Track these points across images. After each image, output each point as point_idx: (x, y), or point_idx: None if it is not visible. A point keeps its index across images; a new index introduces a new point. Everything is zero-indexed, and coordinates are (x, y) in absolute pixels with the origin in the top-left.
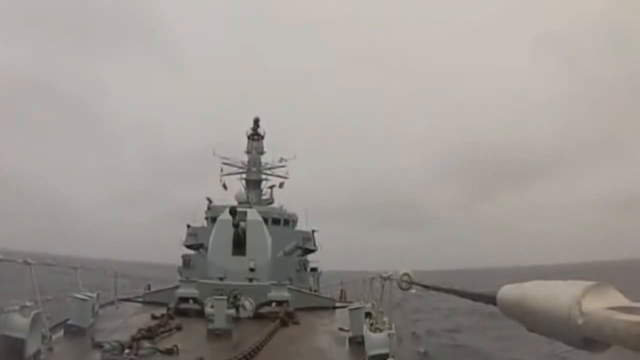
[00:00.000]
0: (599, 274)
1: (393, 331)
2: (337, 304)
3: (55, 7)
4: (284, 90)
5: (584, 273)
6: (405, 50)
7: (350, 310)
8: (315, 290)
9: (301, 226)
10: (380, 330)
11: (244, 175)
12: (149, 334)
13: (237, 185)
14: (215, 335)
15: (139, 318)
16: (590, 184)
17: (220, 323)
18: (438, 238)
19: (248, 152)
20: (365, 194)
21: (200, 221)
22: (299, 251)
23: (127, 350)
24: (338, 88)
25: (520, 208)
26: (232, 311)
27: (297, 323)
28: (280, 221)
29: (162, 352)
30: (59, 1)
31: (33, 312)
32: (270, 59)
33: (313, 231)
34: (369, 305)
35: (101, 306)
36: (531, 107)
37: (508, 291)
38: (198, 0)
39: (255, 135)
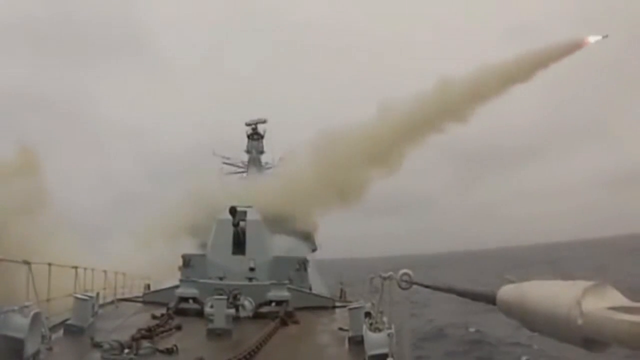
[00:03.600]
0: (592, 252)
1: (393, 331)
2: (337, 304)
3: (43, 19)
4: (283, 88)
5: (575, 250)
6: (403, 45)
7: (350, 309)
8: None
9: None
10: (380, 330)
11: (244, 175)
12: (149, 333)
13: None
14: (215, 335)
15: (139, 318)
16: (578, 165)
17: (220, 323)
18: (429, 222)
19: (248, 151)
20: None
21: None
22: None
23: (126, 350)
24: (333, 80)
25: (510, 191)
26: (232, 311)
27: (296, 323)
28: None
29: (161, 351)
30: (47, 13)
31: (32, 312)
32: (269, 58)
33: None
34: (369, 304)
35: (101, 306)
36: (515, 92)
37: (508, 291)
38: (198, 4)
39: (255, 135)
